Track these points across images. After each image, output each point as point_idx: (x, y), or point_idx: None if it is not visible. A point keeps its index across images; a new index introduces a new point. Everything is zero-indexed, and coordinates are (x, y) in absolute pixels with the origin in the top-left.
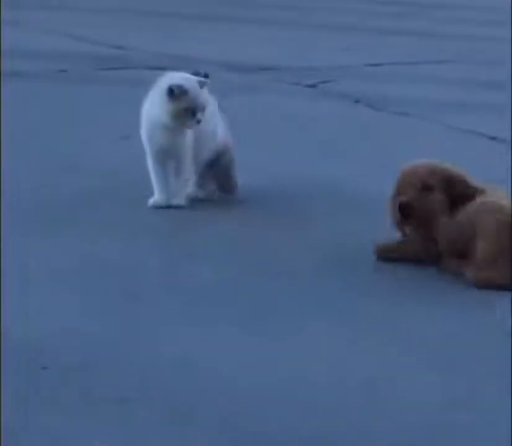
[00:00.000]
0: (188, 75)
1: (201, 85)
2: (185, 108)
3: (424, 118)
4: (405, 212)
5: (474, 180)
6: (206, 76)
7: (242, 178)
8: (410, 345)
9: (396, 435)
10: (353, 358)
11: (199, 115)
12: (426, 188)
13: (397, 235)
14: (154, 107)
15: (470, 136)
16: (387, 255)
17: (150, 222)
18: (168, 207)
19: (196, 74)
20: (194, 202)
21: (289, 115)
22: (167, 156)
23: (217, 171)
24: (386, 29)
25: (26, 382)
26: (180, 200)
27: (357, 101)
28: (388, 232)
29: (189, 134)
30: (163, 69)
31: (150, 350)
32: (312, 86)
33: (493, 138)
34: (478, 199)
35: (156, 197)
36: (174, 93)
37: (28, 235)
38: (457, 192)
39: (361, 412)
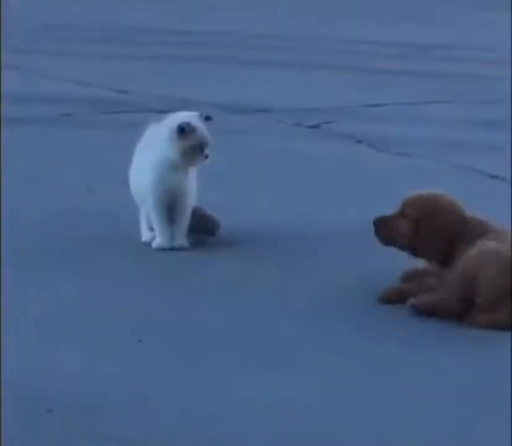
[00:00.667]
0: (190, 113)
1: (208, 119)
2: (194, 145)
3: (425, 158)
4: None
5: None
6: (208, 118)
7: (246, 219)
8: (408, 386)
9: None
10: (352, 398)
11: (207, 151)
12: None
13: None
14: (161, 147)
15: (471, 175)
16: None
17: (152, 264)
18: (172, 249)
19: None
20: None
21: (291, 156)
22: (172, 196)
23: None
24: (386, 69)
25: (32, 425)
26: (183, 241)
27: (359, 142)
28: (390, 272)
29: (194, 174)
30: (166, 112)
31: (153, 392)
32: (314, 127)
33: (494, 176)
34: (480, 242)
35: (159, 240)
36: (185, 130)
37: (26, 279)
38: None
39: None
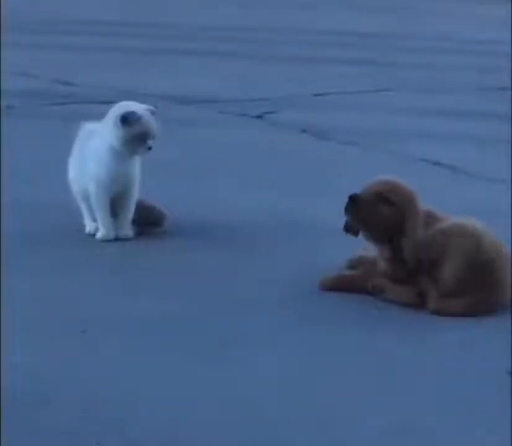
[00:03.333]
0: (138, 104)
1: (152, 111)
2: (137, 134)
3: (370, 147)
4: (354, 205)
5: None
6: (153, 113)
7: (190, 210)
8: (361, 374)
9: None
10: (305, 390)
11: (150, 142)
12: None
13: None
14: (105, 136)
15: (416, 163)
16: (333, 287)
17: (96, 255)
18: (116, 239)
19: None
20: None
21: (236, 147)
22: (117, 186)
23: (138, 207)
24: (330, 59)
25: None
26: (128, 231)
27: (304, 131)
28: (339, 261)
29: (138, 164)
30: (110, 103)
31: (98, 382)
32: (258, 117)
33: (436, 164)
34: (449, 220)
35: (104, 231)
36: (128, 119)
37: None
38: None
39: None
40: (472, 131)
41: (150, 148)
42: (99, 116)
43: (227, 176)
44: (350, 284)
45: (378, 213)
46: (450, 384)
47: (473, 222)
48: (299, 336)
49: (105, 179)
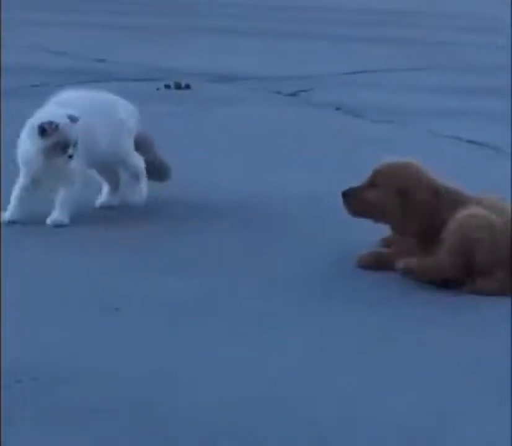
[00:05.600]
0: (58, 111)
1: (73, 120)
2: (55, 144)
3: (403, 125)
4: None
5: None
6: (187, 87)
7: (224, 188)
8: (391, 355)
9: None
10: (337, 369)
11: (70, 151)
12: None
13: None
14: (26, 144)
15: (450, 141)
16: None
17: (123, 235)
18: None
19: (177, 85)
20: (179, 209)
21: (270, 124)
22: (45, 178)
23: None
24: (364, 37)
25: (4, 395)
26: (64, 217)
27: (337, 109)
28: (366, 240)
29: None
30: (145, 81)
31: (127, 362)
32: (292, 95)
33: (471, 141)
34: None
35: (8, 213)
36: (45, 130)
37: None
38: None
39: (341, 426)
40: (504, 109)
41: (70, 156)
42: (133, 94)
43: (259, 154)
44: (386, 262)
45: (365, 199)
46: (487, 366)
47: (502, 201)
48: (331, 315)
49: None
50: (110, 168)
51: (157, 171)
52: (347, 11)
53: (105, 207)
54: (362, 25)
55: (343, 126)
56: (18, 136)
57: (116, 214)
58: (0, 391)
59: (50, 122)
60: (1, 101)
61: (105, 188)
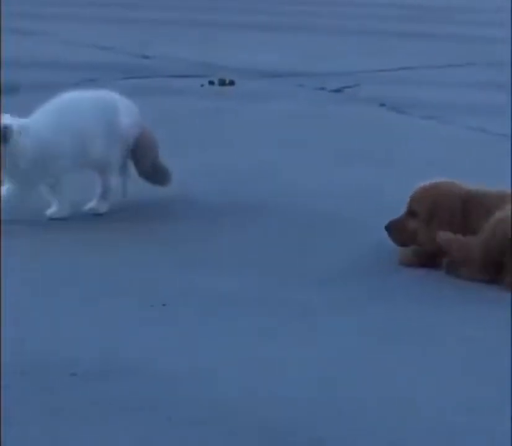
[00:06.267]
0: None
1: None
2: None
3: (449, 121)
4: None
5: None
6: (231, 83)
7: (266, 184)
8: (430, 351)
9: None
10: (386, 367)
11: None
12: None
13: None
14: None
15: (496, 138)
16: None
17: (161, 231)
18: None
19: (221, 81)
20: (223, 204)
21: (314, 120)
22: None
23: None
24: (407, 33)
25: (55, 389)
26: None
27: (382, 105)
28: None
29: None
30: (190, 77)
31: (172, 356)
32: (337, 91)
33: None
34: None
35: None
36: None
37: (41, 253)
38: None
39: (386, 421)
40: None
41: None
42: (177, 90)
43: (303, 149)
44: (429, 260)
45: (407, 230)
46: None
47: None
48: (375, 312)
49: None
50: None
51: (156, 174)
52: (380, 6)
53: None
54: (398, 20)
55: (387, 122)
56: None
57: (155, 209)
58: (0, 390)
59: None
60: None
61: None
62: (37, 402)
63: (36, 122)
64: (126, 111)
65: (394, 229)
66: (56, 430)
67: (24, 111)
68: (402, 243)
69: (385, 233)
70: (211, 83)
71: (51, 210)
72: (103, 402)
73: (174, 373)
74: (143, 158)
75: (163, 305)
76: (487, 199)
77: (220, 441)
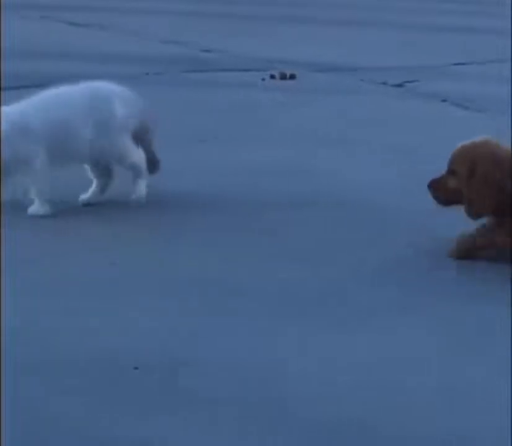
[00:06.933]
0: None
1: None
2: None
3: (510, 116)
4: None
5: None
6: (292, 77)
7: (323, 180)
8: (486, 346)
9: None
10: (451, 362)
11: None
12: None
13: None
14: None
15: None
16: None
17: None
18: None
19: (282, 75)
20: (282, 200)
21: (376, 115)
22: None
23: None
24: (469, 28)
25: (118, 382)
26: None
27: (443, 101)
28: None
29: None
30: (251, 71)
31: (236, 349)
32: (399, 85)
33: None
34: None
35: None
36: None
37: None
38: None
39: (439, 413)
40: None
41: None
42: (238, 84)
43: (364, 144)
44: (480, 251)
45: (448, 188)
46: None
47: None
48: (434, 306)
49: None
50: (102, 165)
51: (148, 164)
52: (450, 2)
53: (86, 205)
54: (467, 15)
55: (449, 117)
56: None
57: (203, 202)
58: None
59: None
60: None
61: (93, 185)
62: (102, 396)
63: (14, 109)
64: (122, 102)
65: (435, 187)
66: (120, 424)
67: None
68: (443, 201)
69: (433, 229)
70: (272, 77)
71: (33, 207)
72: (168, 395)
73: (241, 366)
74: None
75: (226, 297)
76: None
77: (286, 434)
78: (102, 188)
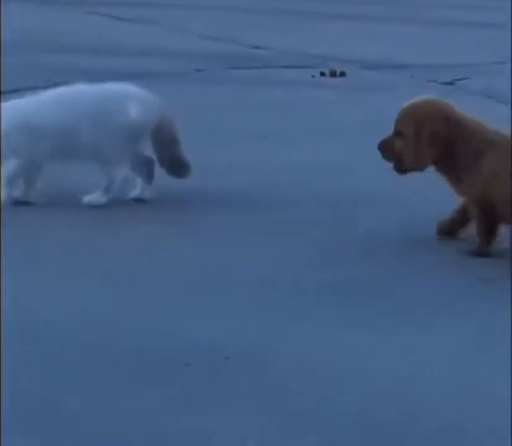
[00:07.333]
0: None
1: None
2: None
3: None
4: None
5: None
6: (342, 74)
7: (376, 177)
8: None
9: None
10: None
11: None
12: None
13: None
14: None
15: None
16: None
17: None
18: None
19: (332, 72)
20: (329, 197)
21: None
22: None
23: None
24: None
25: (208, 372)
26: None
27: (493, 98)
28: None
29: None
30: (301, 68)
31: (319, 344)
32: (449, 83)
33: None
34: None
35: None
36: None
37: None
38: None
39: (480, 411)
40: None
41: None
42: (288, 81)
43: None
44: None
45: (395, 149)
46: None
47: None
48: (476, 303)
49: None
50: (141, 163)
51: (175, 166)
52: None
53: (138, 200)
54: (500, 11)
55: (501, 115)
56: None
57: (243, 200)
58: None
59: None
60: None
61: (138, 182)
62: (197, 386)
63: (23, 103)
64: (137, 104)
65: (383, 148)
66: (209, 415)
67: None
68: (392, 161)
69: None
70: (322, 74)
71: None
72: (256, 387)
73: (314, 360)
74: (161, 149)
75: (300, 292)
76: (474, 135)
77: (364, 432)
78: (147, 183)
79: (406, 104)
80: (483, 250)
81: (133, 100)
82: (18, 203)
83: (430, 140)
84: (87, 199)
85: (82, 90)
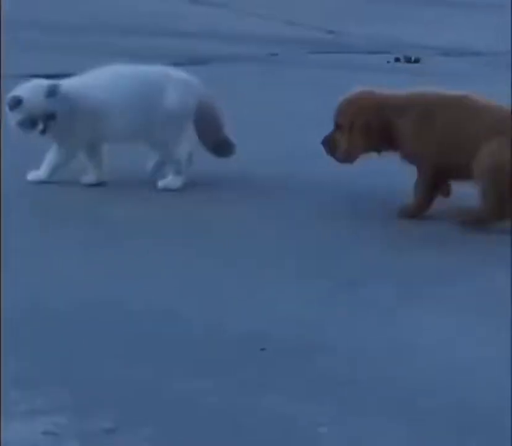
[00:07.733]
0: (38, 82)
1: (50, 94)
2: (24, 119)
3: None
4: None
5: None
6: (417, 61)
7: None
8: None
9: None
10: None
11: (40, 125)
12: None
13: None
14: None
15: None
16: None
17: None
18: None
19: (407, 58)
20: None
21: (503, 101)
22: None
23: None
24: None
25: (244, 362)
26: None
27: None
28: None
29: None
30: (375, 53)
31: (364, 335)
32: None
33: None
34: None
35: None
36: (10, 105)
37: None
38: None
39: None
40: None
41: (42, 131)
42: (362, 67)
43: None
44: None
45: (336, 143)
46: None
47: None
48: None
49: None
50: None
51: (219, 147)
52: None
53: (167, 190)
54: None
55: None
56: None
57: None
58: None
59: (13, 97)
60: None
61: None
62: (228, 376)
63: (69, 83)
64: (176, 88)
65: (326, 143)
66: (249, 402)
67: (211, 82)
68: (338, 158)
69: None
70: (397, 60)
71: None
72: (294, 378)
73: (371, 352)
74: (204, 131)
75: (353, 283)
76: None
77: (419, 421)
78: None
79: (342, 97)
80: (421, 210)
81: (172, 83)
82: (90, 185)
83: (363, 131)
84: (162, 183)
85: (121, 71)
